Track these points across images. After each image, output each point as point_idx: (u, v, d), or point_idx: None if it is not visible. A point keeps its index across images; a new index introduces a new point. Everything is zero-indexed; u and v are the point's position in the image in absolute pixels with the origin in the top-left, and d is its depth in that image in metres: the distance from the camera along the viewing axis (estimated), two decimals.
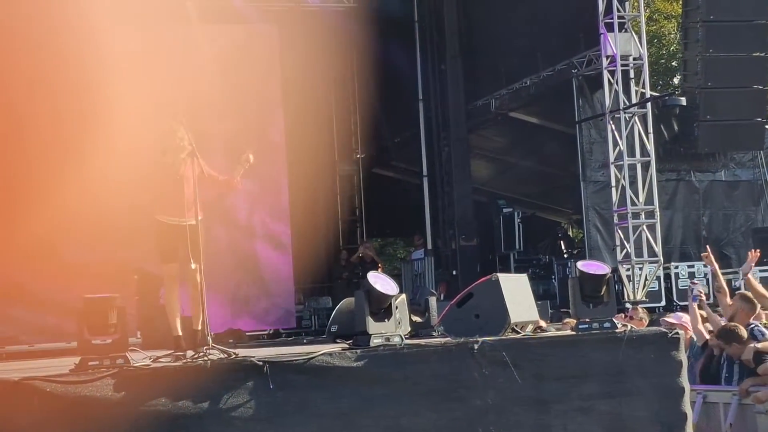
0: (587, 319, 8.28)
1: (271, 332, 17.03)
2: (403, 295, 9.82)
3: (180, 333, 8.47)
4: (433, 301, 10.73)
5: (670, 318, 10.34)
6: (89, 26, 15.07)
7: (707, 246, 12.34)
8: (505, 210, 17.65)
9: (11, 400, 6.62)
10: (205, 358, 7.37)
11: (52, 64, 13.40)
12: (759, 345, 9.20)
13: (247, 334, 15.73)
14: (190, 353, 7.65)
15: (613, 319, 8.31)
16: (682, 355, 8.18)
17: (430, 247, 18.48)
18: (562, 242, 18.87)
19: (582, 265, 8.65)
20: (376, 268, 18.56)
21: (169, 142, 8.55)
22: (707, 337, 9.85)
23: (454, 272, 17.47)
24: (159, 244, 8.60)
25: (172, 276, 8.54)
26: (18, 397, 6.63)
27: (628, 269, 14.46)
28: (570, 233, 21.43)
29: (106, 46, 15.88)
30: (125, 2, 16.50)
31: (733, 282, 13.56)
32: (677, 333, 8.24)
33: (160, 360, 7.68)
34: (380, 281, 8.14)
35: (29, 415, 6.64)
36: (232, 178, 8.69)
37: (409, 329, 9.41)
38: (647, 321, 11.04)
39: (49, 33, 13.33)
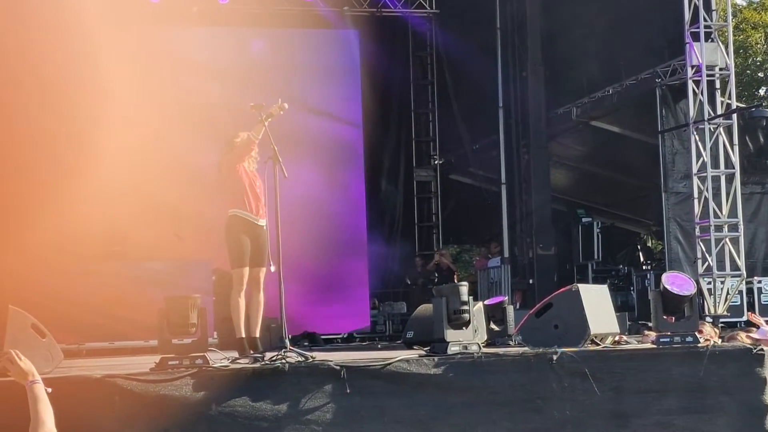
0: (668, 333, 8.16)
1: (345, 336, 17.08)
2: (480, 303, 9.79)
3: (243, 335, 8.52)
4: (510, 310, 10.66)
5: (755, 334, 10.13)
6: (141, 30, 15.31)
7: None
8: (584, 219, 17.48)
9: (93, 397, 6.72)
10: (283, 361, 7.40)
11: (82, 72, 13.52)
12: None
13: (322, 337, 15.78)
14: (268, 355, 7.69)
15: (696, 334, 8.17)
16: (767, 372, 8.01)
17: (507, 255, 18.37)
18: (641, 253, 18.64)
19: (667, 278, 8.52)
20: (452, 276, 18.52)
21: (247, 142, 8.59)
22: None
23: (531, 281, 17.34)
24: (232, 244, 8.64)
25: (242, 277, 8.58)
26: (100, 394, 6.73)
27: (709, 283, 14.22)
28: (649, 244, 21.16)
29: (161, 48, 16.14)
30: (209, 9, 16.78)
31: None
32: (762, 349, 8.08)
33: (238, 361, 7.74)
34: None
35: (110, 412, 6.74)
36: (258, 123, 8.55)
37: (486, 337, 9.38)
38: (715, 337, 10.78)
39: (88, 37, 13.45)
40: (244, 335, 8.57)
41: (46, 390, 4.64)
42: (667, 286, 8.31)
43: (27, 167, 13.01)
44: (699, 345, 8.03)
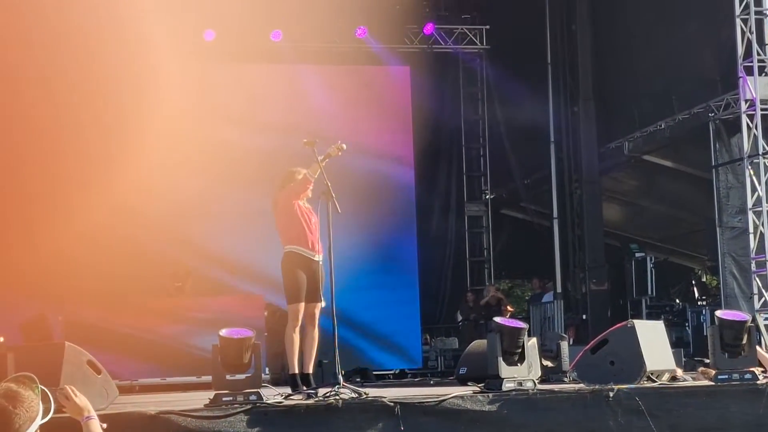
0: (727, 370, 8.05)
1: (397, 372, 17.03)
2: (534, 339, 9.72)
3: (297, 371, 8.52)
4: (564, 346, 10.58)
5: None
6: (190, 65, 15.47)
7: None
8: (637, 254, 17.31)
9: None
10: (337, 397, 7.39)
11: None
12: None
13: (374, 373, 15.75)
14: (321, 391, 7.68)
15: (755, 371, 8.05)
16: None
17: (559, 290, 18.25)
18: (695, 288, 18.41)
19: (721, 314, 8.44)
20: (500, 310, 18.39)
21: (303, 180, 8.64)
22: None
23: (584, 317, 17.20)
24: (288, 280, 8.67)
25: (297, 312, 8.59)
26: (155, 430, 6.74)
27: (766, 319, 14.01)
28: (704, 279, 20.92)
29: (215, 85, 16.32)
30: (262, 46, 16.96)
31: None
32: None
33: (291, 397, 7.74)
34: None
35: None
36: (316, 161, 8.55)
37: (540, 374, 9.30)
38: None
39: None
40: (297, 371, 8.58)
41: (101, 426, 4.65)
42: (721, 317, 8.25)
43: (86, 210, 13.14)
44: (758, 382, 7.91)
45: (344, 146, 8.53)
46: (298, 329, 8.62)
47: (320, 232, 8.75)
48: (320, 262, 8.69)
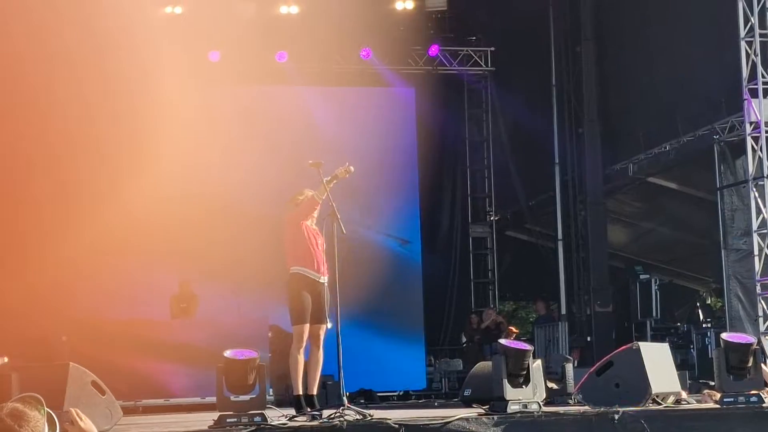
0: (733, 392, 8.02)
1: (401, 393, 16.99)
2: (539, 361, 9.69)
3: (301, 392, 8.50)
4: (569, 368, 10.55)
5: None
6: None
7: None
8: (642, 276, 17.29)
9: None
10: (341, 419, 7.36)
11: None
12: None
13: (378, 394, 15.71)
14: (326, 413, 7.67)
15: (761, 393, 8.02)
16: None
17: (564, 312, 18.21)
18: (700, 311, 18.36)
19: (726, 336, 8.42)
20: (499, 333, 18.30)
21: (311, 201, 8.64)
22: None
23: (589, 339, 17.17)
24: (293, 301, 8.66)
25: (302, 334, 8.58)
26: None
27: None
28: (709, 302, 20.87)
29: (220, 105, 16.38)
30: (267, 67, 17.02)
31: None
32: None
33: (296, 419, 7.72)
34: None
35: None
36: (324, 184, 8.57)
37: (545, 396, 9.26)
38: None
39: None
40: (301, 392, 8.56)
41: None
42: (726, 339, 8.22)
43: (94, 231, 13.16)
44: (764, 405, 7.88)
45: (352, 169, 8.53)
46: (302, 351, 8.60)
47: (327, 252, 8.74)
48: (325, 284, 8.68)
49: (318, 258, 8.63)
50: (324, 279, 8.68)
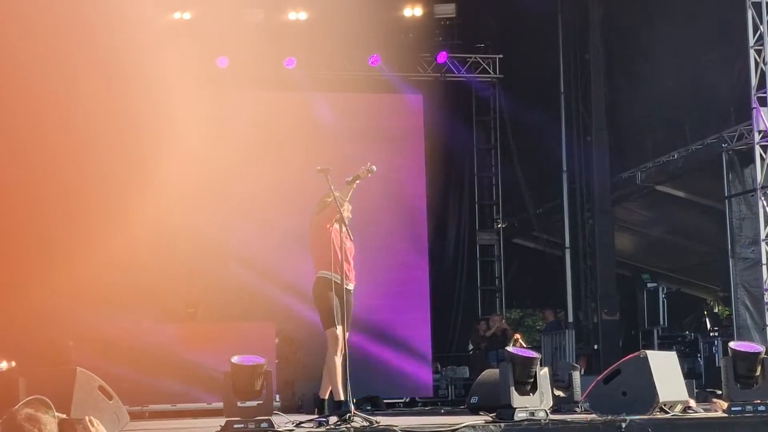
0: (740, 401, 8.00)
1: (407, 400, 16.97)
2: (546, 369, 9.69)
3: (342, 397, 8.27)
4: (576, 376, 10.54)
5: None
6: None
7: None
8: (649, 284, 17.26)
9: None
10: (348, 425, 7.36)
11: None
12: None
13: (384, 401, 15.70)
14: (333, 419, 7.66)
15: None
16: None
17: (571, 320, 18.19)
18: (708, 319, 18.34)
19: (734, 345, 8.41)
20: (505, 340, 18.29)
21: (335, 203, 8.54)
22: None
23: (596, 347, 17.14)
24: (321, 304, 8.52)
25: (336, 336, 8.44)
26: None
27: None
28: (716, 310, 20.83)
29: (228, 112, 16.39)
30: (275, 73, 17.04)
31: None
32: None
33: (303, 425, 7.71)
34: None
35: None
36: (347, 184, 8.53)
37: (552, 403, 9.26)
38: None
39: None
40: (342, 398, 8.30)
41: None
42: (734, 348, 8.21)
43: (103, 235, 13.17)
44: None
45: (374, 168, 8.45)
46: (339, 353, 8.40)
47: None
48: (351, 291, 8.60)
49: (346, 263, 8.45)
50: (351, 286, 8.59)
